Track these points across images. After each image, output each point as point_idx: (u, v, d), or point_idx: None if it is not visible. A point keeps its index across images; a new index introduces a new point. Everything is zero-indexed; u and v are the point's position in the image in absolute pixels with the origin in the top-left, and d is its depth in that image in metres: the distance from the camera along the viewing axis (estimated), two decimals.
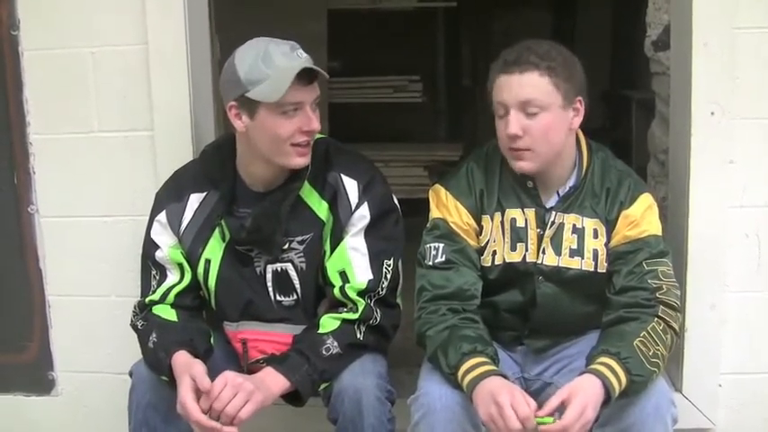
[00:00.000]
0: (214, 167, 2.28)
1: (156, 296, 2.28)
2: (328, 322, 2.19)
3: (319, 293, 2.28)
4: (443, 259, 2.19)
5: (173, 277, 2.29)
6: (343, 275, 2.21)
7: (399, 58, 5.28)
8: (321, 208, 2.24)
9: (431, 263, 2.20)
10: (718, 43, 2.36)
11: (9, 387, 2.79)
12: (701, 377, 2.52)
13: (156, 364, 2.15)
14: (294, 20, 4.68)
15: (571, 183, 2.21)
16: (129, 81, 2.56)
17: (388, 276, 2.23)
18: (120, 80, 2.56)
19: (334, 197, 2.23)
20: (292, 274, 2.25)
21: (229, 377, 2.03)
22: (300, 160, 2.17)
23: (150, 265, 2.31)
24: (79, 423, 2.76)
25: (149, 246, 2.30)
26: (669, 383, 2.14)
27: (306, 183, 2.23)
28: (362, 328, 2.18)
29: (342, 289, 2.20)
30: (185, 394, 2.03)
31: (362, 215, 2.22)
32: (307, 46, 2.16)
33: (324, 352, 2.14)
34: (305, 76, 2.10)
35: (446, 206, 2.23)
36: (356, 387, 2.11)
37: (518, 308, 2.24)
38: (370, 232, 2.22)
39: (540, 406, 1.97)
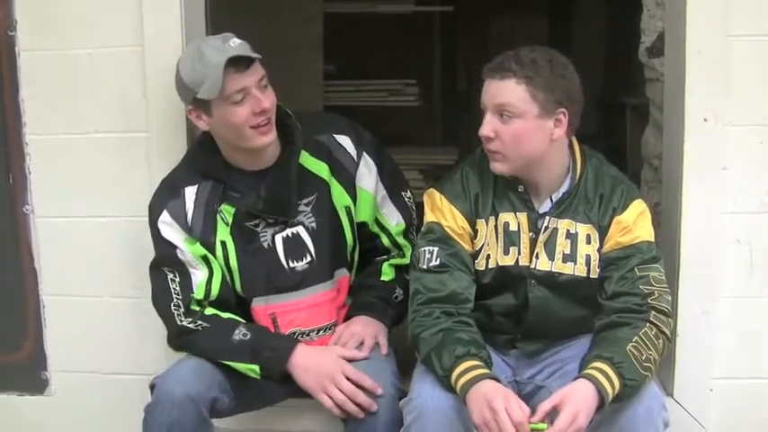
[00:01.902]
0: (201, 162, 2.33)
1: (198, 294, 2.28)
2: (388, 269, 2.41)
3: (333, 251, 2.35)
4: (438, 263, 2.20)
5: (202, 273, 2.29)
6: (380, 224, 2.40)
7: (395, 61, 5.27)
8: (320, 168, 2.33)
9: (425, 266, 2.21)
10: (711, 50, 2.37)
11: (2, 386, 2.78)
12: (693, 382, 2.52)
13: (249, 351, 2.22)
14: (291, 23, 4.68)
15: (564, 188, 2.22)
16: (126, 82, 2.56)
17: (413, 207, 2.44)
18: (116, 81, 2.57)
19: (332, 156, 2.33)
20: (304, 235, 2.32)
21: (342, 336, 2.30)
22: (265, 138, 2.24)
23: (165, 270, 2.29)
24: (72, 423, 2.75)
25: (165, 249, 2.30)
26: (661, 388, 2.15)
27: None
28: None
29: (389, 236, 2.41)
30: (345, 352, 2.25)
31: (368, 164, 2.36)
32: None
33: (394, 299, 2.38)
34: (241, 63, 2.17)
35: (441, 210, 2.24)
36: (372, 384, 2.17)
37: (511, 311, 2.25)
38: (381, 176, 2.38)
39: (532, 410, 1.99)
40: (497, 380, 2.04)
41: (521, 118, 2.11)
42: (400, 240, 2.42)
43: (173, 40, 2.50)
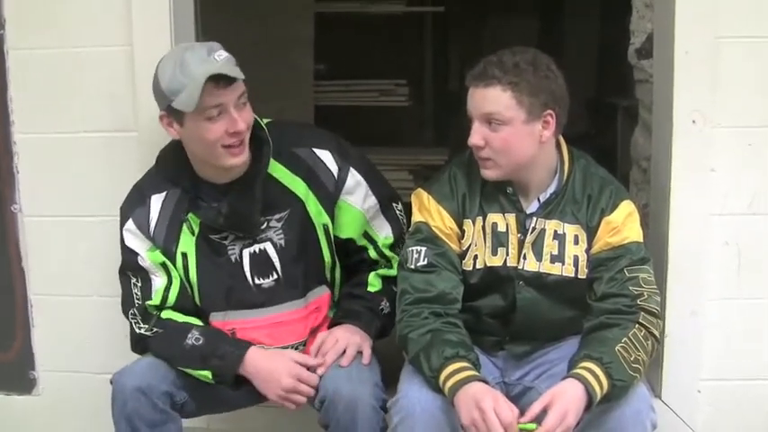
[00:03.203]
0: (170, 168, 2.29)
1: (155, 301, 2.27)
2: (375, 280, 2.34)
3: (306, 269, 2.29)
4: (425, 263, 2.20)
5: (161, 280, 2.28)
6: (368, 237, 2.34)
7: (386, 61, 5.27)
8: (295, 184, 2.26)
9: (413, 266, 2.21)
10: (700, 52, 2.37)
11: None
12: (681, 383, 2.53)
13: (199, 357, 2.19)
14: (281, 22, 4.68)
15: (552, 189, 2.22)
16: (115, 82, 2.55)
17: (405, 221, 2.36)
18: (105, 81, 2.56)
19: (311, 171, 2.26)
20: (271, 252, 2.26)
21: (324, 343, 2.22)
22: (235, 160, 2.17)
23: (130, 275, 2.30)
24: (59, 422, 2.76)
25: (128, 255, 2.29)
26: (649, 389, 2.15)
27: (273, 161, 2.24)
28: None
29: (376, 248, 2.34)
30: (300, 357, 2.22)
31: (356, 179, 2.29)
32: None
33: (380, 311, 2.31)
34: (223, 78, 2.09)
35: (428, 210, 2.23)
36: (353, 395, 2.12)
37: (499, 313, 2.25)
38: (370, 188, 2.32)
39: (521, 411, 1.99)
40: (486, 382, 2.04)
41: (509, 125, 2.10)
42: (387, 252, 2.35)
43: (162, 39, 2.49)
